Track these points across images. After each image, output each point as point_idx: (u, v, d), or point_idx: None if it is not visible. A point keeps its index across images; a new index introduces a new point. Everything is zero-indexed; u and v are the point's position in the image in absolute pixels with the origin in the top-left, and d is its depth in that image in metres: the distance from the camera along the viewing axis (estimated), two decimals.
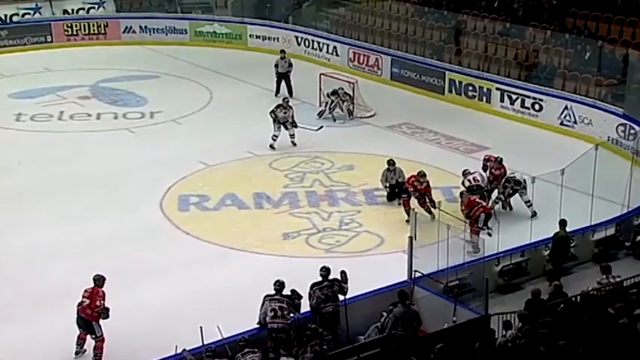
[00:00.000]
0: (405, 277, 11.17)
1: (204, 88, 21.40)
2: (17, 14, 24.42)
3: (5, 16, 24.19)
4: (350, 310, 10.61)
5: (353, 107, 19.29)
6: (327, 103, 19.22)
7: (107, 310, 10.34)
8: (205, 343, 9.60)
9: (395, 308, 10.25)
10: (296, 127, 17.38)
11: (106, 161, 16.68)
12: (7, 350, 10.49)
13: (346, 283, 10.69)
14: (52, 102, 20.08)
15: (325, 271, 10.70)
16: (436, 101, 20.72)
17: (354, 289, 10.79)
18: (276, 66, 20.53)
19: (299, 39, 23.98)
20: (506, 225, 13.48)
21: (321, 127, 18.07)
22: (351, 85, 19.64)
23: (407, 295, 10.51)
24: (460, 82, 20.54)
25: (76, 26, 24.81)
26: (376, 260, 13.08)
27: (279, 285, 10.42)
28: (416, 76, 21.44)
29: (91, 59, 23.40)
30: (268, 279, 10.59)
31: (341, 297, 10.63)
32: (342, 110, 19.28)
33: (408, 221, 13.55)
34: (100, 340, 10.38)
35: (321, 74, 20.18)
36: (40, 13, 24.75)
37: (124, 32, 25.16)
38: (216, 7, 26.49)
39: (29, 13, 24.62)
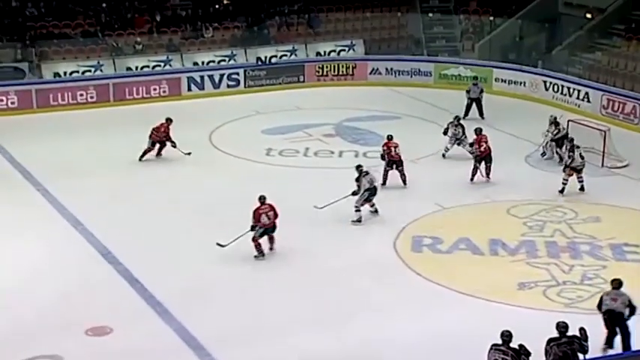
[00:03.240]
0: None
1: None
2: (275, 56, 25.99)
3: (265, 57, 25.84)
4: None
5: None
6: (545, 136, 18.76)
7: None
8: None
9: None
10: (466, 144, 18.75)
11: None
12: None
13: (587, 341, 9.86)
14: (300, 138, 20.91)
15: (564, 327, 10.00)
16: None
17: (595, 349, 9.92)
18: (468, 91, 21.97)
19: (547, 83, 23.06)
20: None
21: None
22: (602, 133, 18.48)
23: None
24: None
25: (327, 67, 25.78)
26: None
27: (507, 336, 9.85)
28: None
29: (338, 99, 24.15)
30: (500, 328, 10.00)
31: (580, 356, 9.83)
32: (555, 153, 18.50)
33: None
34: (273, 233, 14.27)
35: (569, 120, 19.21)
36: (295, 55, 26.11)
37: (370, 73, 25.75)
38: (463, 50, 26.37)
39: (286, 55, 26.07)
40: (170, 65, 24.97)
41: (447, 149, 19.15)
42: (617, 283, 11.18)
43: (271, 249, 14.44)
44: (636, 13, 24.06)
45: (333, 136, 21.11)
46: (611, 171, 18.16)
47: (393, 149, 17.36)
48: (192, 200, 16.70)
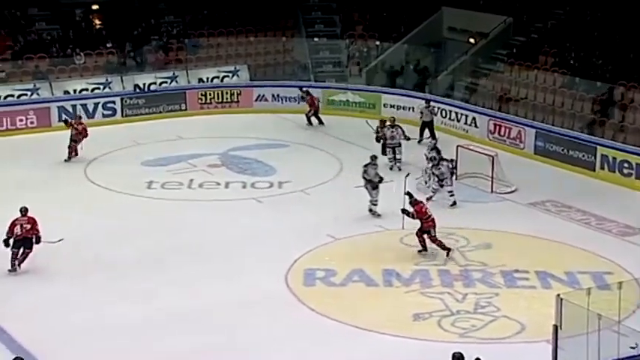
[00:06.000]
0: None
1: (334, 158, 20.86)
2: (155, 83, 24.97)
3: (144, 84, 24.79)
4: None
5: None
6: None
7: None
8: None
9: None
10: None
11: (232, 231, 16.27)
12: None
13: None
14: (183, 170, 20.06)
15: (459, 357, 9.81)
16: (586, 178, 19.31)
17: None
18: (422, 113, 21.97)
19: (435, 109, 23.09)
20: None
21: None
22: (490, 158, 18.55)
23: None
24: (614, 159, 18.99)
25: (210, 94, 25.03)
26: (516, 349, 11.95)
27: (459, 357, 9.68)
28: (563, 150, 20.06)
29: (223, 127, 23.42)
30: None
31: None
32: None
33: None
34: (30, 250, 14.09)
35: (458, 146, 19.26)
36: (176, 81, 25.19)
37: (256, 100, 25.14)
38: (350, 76, 26.17)
39: (166, 82, 25.08)
40: (38, 94, 23.60)
41: (390, 160, 19.86)
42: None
43: (18, 266, 14.11)
44: (517, 38, 24.59)
45: (218, 167, 20.37)
46: (501, 196, 18.21)
47: None
48: (68, 239, 15.27)
